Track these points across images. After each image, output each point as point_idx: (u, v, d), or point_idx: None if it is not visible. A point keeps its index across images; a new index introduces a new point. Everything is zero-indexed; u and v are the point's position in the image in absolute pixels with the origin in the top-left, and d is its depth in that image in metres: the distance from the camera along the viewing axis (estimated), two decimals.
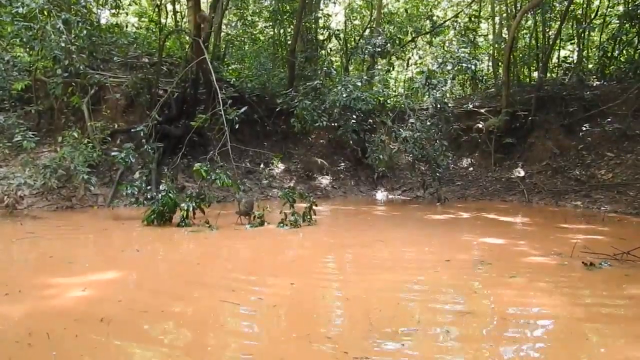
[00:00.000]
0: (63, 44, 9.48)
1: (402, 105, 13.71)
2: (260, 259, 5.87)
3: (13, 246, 6.31)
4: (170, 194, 8.22)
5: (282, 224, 8.05)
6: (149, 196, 8.69)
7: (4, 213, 8.95)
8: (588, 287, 4.61)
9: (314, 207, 8.47)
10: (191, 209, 8.08)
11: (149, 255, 5.99)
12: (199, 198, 8.56)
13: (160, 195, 8.27)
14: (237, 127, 10.26)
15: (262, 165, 14.05)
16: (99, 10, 15.13)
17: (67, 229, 7.70)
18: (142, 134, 9.80)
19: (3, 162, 10.88)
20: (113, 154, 9.56)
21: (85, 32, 10.88)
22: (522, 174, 13.93)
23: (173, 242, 6.83)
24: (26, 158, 10.18)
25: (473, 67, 13.66)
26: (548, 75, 16.40)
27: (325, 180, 14.53)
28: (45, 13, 9.68)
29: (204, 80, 13.36)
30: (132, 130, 9.96)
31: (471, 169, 14.95)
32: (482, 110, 15.38)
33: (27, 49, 11.52)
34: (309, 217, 8.25)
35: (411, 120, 12.54)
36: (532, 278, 4.86)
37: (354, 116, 13.05)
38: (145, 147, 10.09)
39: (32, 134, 10.25)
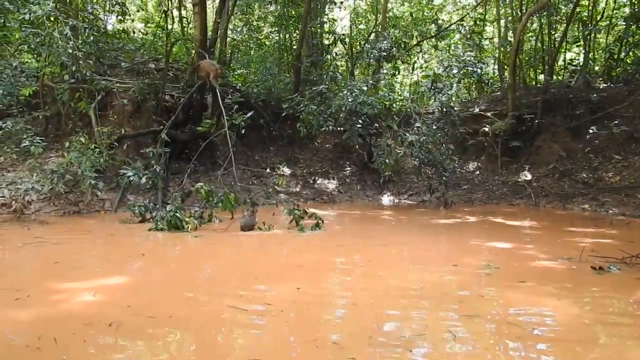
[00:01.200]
0: (70, 50, 9.54)
1: (408, 109, 13.68)
2: (267, 264, 5.87)
3: (21, 251, 6.33)
4: (177, 214, 8.19)
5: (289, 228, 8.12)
6: (154, 214, 8.73)
7: (12, 218, 8.99)
8: (597, 292, 4.57)
9: (319, 216, 8.50)
10: (196, 224, 8.16)
11: (156, 260, 5.99)
12: (203, 217, 8.65)
13: (168, 214, 8.24)
14: (243, 132, 10.29)
15: (268, 170, 14.07)
16: (105, 17, 15.22)
17: (75, 234, 7.72)
18: (152, 154, 9.80)
19: (11, 167, 10.96)
20: (122, 171, 9.58)
21: (92, 38, 10.96)
22: (529, 177, 13.86)
23: (180, 248, 6.83)
24: (34, 163, 10.21)
25: (479, 70, 13.64)
26: (554, 77, 16.35)
27: (331, 185, 14.58)
28: (53, 19, 9.75)
29: (210, 86, 13.40)
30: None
31: (477, 172, 14.89)
32: (488, 114, 15.32)
33: (35, 55, 11.62)
34: (317, 228, 8.23)
35: (417, 124, 12.49)
36: (540, 282, 4.82)
37: (360, 120, 13.03)
38: (155, 167, 10.12)
39: (40, 139, 10.29)
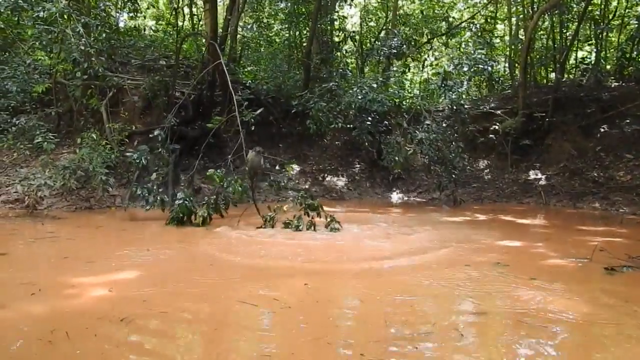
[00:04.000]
0: (82, 47, 9.62)
1: (418, 107, 13.58)
2: (276, 259, 5.88)
3: (34, 245, 6.40)
4: (186, 201, 8.31)
5: (291, 226, 8.05)
6: (164, 199, 8.80)
7: (25, 213, 9.11)
8: (608, 291, 4.53)
9: (333, 217, 8.39)
10: (206, 215, 8.21)
11: (168, 255, 6.03)
12: (217, 203, 8.63)
13: (177, 202, 8.34)
14: (252, 128, 10.29)
15: (277, 167, 14.10)
16: (117, 14, 15.36)
17: (87, 229, 7.81)
18: (159, 138, 9.85)
19: (24, 163, 11.09)
20: (128, 153, 9.69)
21: (104, 35, 11.07)
22: (539, 175, 13.76)
23: (192, 243, 6.78)
24: (46, 159, 10.32)
25: (489, 68, 13.57)
26: (565, 76, 16.17)
27: (340, 182, 14.55)
28: (65, 17, 9.82)
29: (220, 83, 13.38)
30: (151, 135, 10.05)
31: (487, 170, 14.82)
32: (499, 112, 15.22)
33: (48, 52, 11.70)
34: (333, 228, 8.11)
35: (427, 122, 12.43)
36: (551, 281, 4.79)
37: (370, 118, 13.04)
38: (161, 150, 10.16)
39: (52, 136, 10.43)
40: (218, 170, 9.04)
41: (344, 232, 7.89)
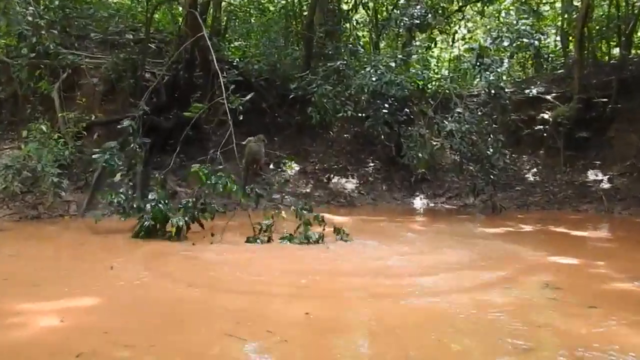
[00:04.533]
0: (30, 18, 9.63)
1: (447, 91, 13.61)
2: (270, 281, 5.88)
3: None
4: (160, 205, 8.33)
5: (288, 239, 8.11)
6: (134, 205, 8.78)
7: None
8: None
9: (341, 227, 8.53)
10: (183, 224, 8.14)
11: (135, 276, 5.99)
12: (198, 209, 8.60)
13: (149, 206, 8.36)
14: (241, 118, 10.28)
15: (271, 166, 14.09)
16: None
17: (34, 244, 7.81)
18: (130, 130, 9.84)
19: None
20: (95, 155, 9.51)
21: (57, 3, 11.04)
22: (600, 176, 13.70)
23: (165, 261, 6.86)
24: None
25: (536, 42, 13.49)
26: (633, 52, 16.12)
27: (350, 185, 14.54)
28: None
29: (200, 61, 13.44)
30: (119, 126, 10.01)
31: (534, 170, 14.76)
32: (548, 97, 15.17)
33: None
34: (344, 238, 8.25)
35: (458, 110, 12.44)
36: (613, 309, 4.76)
37: (386, 104, 12.99)
38: (132, 145, 10.14)
39: None
40: (199, 166, 8.95)
41: (355, 247, 7.90)
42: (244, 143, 9.08)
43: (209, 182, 8.44)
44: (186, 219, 8.28)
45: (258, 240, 8.06)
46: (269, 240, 8.11)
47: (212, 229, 8.31)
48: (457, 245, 8.06)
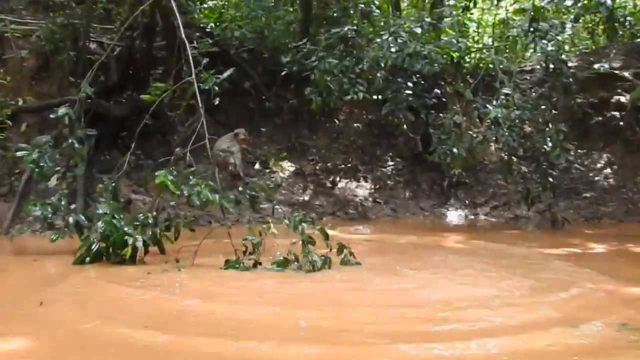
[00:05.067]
0: None
1: (491, 66, 13.53)
2: (256, 319, 5.70)
3: None
4: (115, 221, 8.12)
5: (282, 265, 7.98)
6: (71, 220, 8.63)
7: None
8: None
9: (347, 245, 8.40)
10: (141, 245, 8.02)
11: (75, 314, 5.84)
12: (160, 226, 8.55)
13: (99, 222, 8.17)
14: (216, 102, 10.17)
15: (257, 166, 14.03)
16: None
17: None
18: (68, 119, 9.69)
19: None
20: (20, 153, 9.21)
21: None
22: None
23: (115, 294, 6.69)
24: None
25: (609, 1, 13.41)
26: None
27: (361, 190, 14.51)
28: None
29: (163, 27, 13.33)
30: (54, 114, 9.87)
31: (608, 171, 14.69)
32: (626, 74, 15.07)
33: None
34: (348, 259, 8.21)
35: (505, 91, 12.21)
36: None
37: (410, 84, 12.91)
38: (71, 140, 10.01)
39: None
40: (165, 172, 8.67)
41: (368, 274, 7.76)
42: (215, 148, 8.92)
43: (180, 193, 8.36)
44: (145, 238, 8.12)
45: (240, 266, 7.91)
46: (256, 265, 7.96)
47: (179, 252, 8.18)
48: (506, 272, 7.78)
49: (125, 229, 8.09)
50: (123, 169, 10.47)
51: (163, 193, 8.72)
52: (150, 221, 8.41)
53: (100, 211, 8.34)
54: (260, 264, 7.92)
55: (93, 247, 8.02)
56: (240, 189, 9.52)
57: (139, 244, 8.00)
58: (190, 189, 8.24)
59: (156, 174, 8.51)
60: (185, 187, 8.28)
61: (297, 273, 7.76)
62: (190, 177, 8.49)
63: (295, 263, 7.92)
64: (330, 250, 8.23)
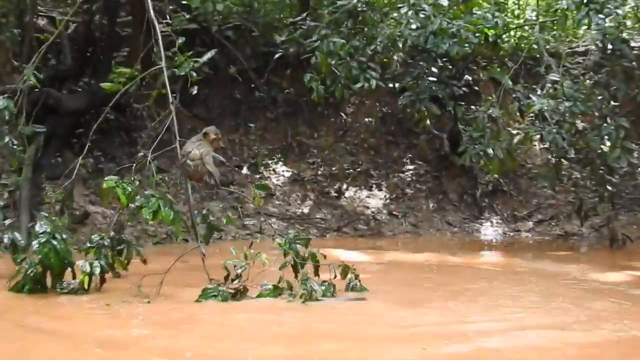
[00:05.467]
0: None
1: (535, 47, 13.51)
2: None
3: None
4: (56, 242, 8.04)
5: (272, 294, 8.00)
6: (6, 239, 8.57)
7: None
8: None
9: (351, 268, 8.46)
10: (97, 272, 7.97)
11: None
12: (114, 248, 8.50)
13: (37, 243, 8.05)
14: (194, 92, 10.17)
15: (244, 170, 13.94)
16: None
17: None
18: (8, 113, 9.62)
19: None
20: None
21: None
22: None
23: (62, 330, 6.63)
24: None
25: None
26: None
27: (374, 201, 14.55)
28: None
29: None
30: None
31: None
32: None
33: None
34: (357, 287, 8.28)
35: (553, 77, 12.11)
36: None
37: (434, 69, 12.95)
38: (8, 139, 9.94)
39: None
40: (125, 180, 8.66)
41: (377, 305, 7.72)
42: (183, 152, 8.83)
43: (132, 205, 8.32)
44: (102, 262, 8.12)
45: (219, 296, 7.84)
46: (239, 294, 7.94)
47: (143, 279, 8.01)
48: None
49: (67, 254, 8.14)
50: (75, 174, 10.39)
51: (112, 202, 8.92)
52: (106, 243, 8.40)
53: (39, 229, 8.23)
54: (245, 291, 7.94)
55: (29, 272, 8.00)
56: (205, 211, 9.55)
57: (97, 269, 8.01)
58: (144, 200, 8.26)
59: (106, 178, 8.58)
60: (138, 198, 8.34)
61: (290, 303, 7.71)
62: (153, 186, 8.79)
63: (289, 291, 7.94)
64: (334, 276, 8.22)
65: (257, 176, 14.13)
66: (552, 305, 7.87)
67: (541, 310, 7.73)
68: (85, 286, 7.88)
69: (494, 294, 8.69)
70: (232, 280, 8.00)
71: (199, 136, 9.36)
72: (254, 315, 7.34)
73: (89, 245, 8.41)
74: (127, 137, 13.04)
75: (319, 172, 14.85)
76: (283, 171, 14.50)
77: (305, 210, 13.85)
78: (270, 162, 14.46)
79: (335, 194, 14.47)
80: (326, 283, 8.00)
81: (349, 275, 8.21)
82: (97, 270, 7.98)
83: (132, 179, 8.70)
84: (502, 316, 7.52)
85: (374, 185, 14.76)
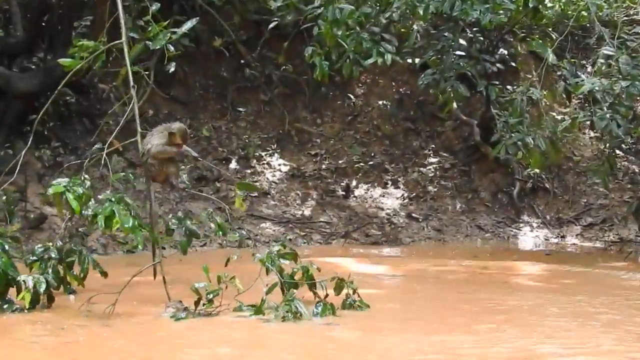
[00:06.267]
0: None
1: (584, 14, 13.14)
2: None
3: None
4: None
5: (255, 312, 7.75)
6: None
7: None
8: None
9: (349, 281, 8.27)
10: (42, 289, 7.79)
11: None
12: (65, 260, 8.32)
13: None
14: (172, 70, 9.89)
15: (233, 164, 13.38)
16: None
17: None
18: None
19: None
20: None
21: None
22: None
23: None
24: None
25: None
26: None
27: (390, 201, 14.43)
28: None
29: None
30: None
31: None
32: None
33: None
34: (354, 303, 8.13)
35: (606, 51, 12.01)
36: None
37: (462, 41, 12.76)
38: None
39: None
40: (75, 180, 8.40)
41: (378, 327, 7.36)
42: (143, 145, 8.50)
43: (83, 211, 8.09)
44: (48, 277, 7.98)
45: (187, 316, 7.67)
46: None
47: (99, 291, 7.85)
48: (607, 327, 7.44)
49: (12, 269, 8.11)
50: (28, 169, 10.15)
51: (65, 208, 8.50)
52: (52, 255, 8.25)
53: None
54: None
55: None
56: (177, 217, 9.53)
57: (43, 286, 7.93)
58: (97, 207, 8.13)
59: (53, 182, 8.35)
60: (91, 204, 8.20)
61: (278, 323, 7.48)
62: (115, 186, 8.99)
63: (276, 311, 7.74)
64: (327, 294, 8.10)
65: (249, 171, 14.23)
66: (599, 316, 7.85)
67: (580, 320, 7.66)
68: (27, 305, 7.74)
69: (531, 309, 8.55)
70: (209, 301, 7.79)
71: (162, 129, 8.91)
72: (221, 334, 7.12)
73: (32, 258, 8.36)
74: (90, 124, 13.05)
75: (323, 166, 14.92)
76: (279, 165, 14.47)
77: (307, 212, 13.77)
78: (264, 154, 14.47)
79: (343, 193, 14.45)
80: (320, 302, 7.90)
81: (345, 291, 8.03)
82: (42, 287, 7.87)
83: (82, 179, 8.41)
84: (530, 330, 7.21)
85: (390, 182, 14.76)
